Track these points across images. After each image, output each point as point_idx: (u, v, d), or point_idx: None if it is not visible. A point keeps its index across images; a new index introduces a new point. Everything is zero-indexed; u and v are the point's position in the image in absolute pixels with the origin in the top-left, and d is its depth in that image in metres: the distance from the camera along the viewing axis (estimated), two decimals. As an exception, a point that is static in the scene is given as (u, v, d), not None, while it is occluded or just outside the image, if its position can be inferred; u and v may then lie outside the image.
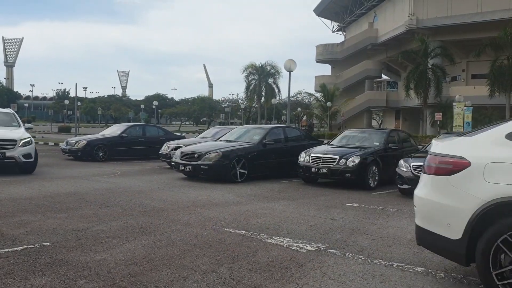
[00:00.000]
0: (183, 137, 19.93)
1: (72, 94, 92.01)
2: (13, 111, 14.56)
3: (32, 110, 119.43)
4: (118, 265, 4.87)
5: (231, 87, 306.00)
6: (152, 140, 19.08)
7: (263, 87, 59.30)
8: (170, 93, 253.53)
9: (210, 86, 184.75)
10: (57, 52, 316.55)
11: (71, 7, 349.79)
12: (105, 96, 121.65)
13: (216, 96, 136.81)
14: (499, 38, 34.41)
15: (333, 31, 71.57)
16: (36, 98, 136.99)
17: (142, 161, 17.94)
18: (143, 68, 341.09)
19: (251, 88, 59.81)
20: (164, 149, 15.68)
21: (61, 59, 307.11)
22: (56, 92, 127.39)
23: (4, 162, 12.14)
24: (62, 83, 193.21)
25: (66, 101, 63.18)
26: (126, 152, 18.52)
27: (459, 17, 42.25)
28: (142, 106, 73.06)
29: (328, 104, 49.35)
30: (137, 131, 19.51)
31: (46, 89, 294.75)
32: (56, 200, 8.62)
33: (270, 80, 59.88)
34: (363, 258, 5.32)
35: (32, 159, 12.62)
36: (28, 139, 12.62)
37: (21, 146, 12.27)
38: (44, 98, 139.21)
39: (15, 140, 12.23)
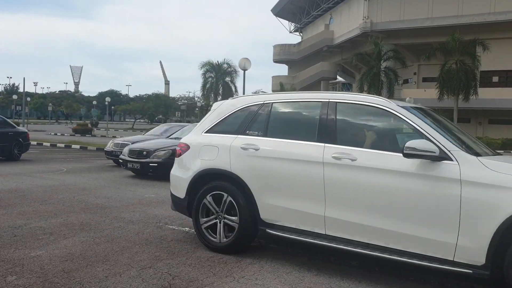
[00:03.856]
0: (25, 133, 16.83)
1: (21, 89, 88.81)
2: None
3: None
4: (52, 261, 4.75)
5: (188, 85, 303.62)
6: None
7: (220, 85, 59.11)
8: (124, 89, 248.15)
9: (167, 83, 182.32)
10: (6, 45, 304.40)
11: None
12: (57, 92, 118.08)
13: (173, 94, 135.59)
14: (448, 43, 35.72)
15: (291, 32, 72.23)
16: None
17: (90, 159, 17.53)
18: (97, 64, 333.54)
19: (208, 86, 59.49)
20: (109, 146, 15.27)
21: (11, 52, 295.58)
22: (4, 87, 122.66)
23: None
24: (11, 78, 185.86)
25: (15, 96, 60.96)
26: None
27: (411, 22, 43.59)
28: (94, 102, 71.38)
29: (284, 104, 49.79)
30: None
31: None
32: (-5, 197, 8.30)
33: (227, 79, 59.77)
34: (302, 253, 5.41)
35: None
36: None
37: None
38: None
39: None
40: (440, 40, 38.15)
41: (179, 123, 23.39)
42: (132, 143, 13.62)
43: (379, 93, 41.29)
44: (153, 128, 18.10)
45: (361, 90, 42.26)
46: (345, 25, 52.00)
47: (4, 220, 6.53)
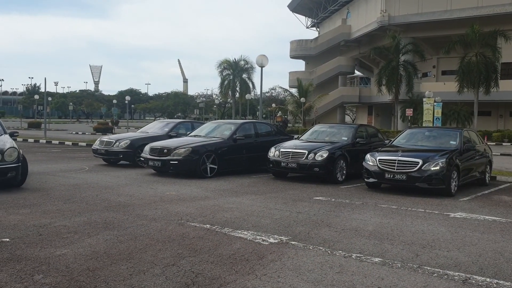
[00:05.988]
0: None
1: (42, 89, 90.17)
2: None
3: (1, 106, 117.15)
4: (77, 260, 4.84)
5: (206, 82, 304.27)
6: None
7: (238, 82, 59.19)
8: (143, 88, 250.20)
9: (185, 81, 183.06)
10: (27, 46, 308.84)
11: (40, 0, 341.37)
12: (77, 91, 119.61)
13: (191, 92, 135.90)
14: (467, 36, 35.14)
15: (307, 27, 71.97)
16: (5, 93, 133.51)
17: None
18: (116, 63, 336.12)
19: (225, 83, 59.61)
20: (96, 144, 15.26)
21: (32, 53, 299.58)
22: (26, 87, 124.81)
23: None
24: (32, 78, 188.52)
25: (36, 96, 61.88)
26: None
27: (430, 14, 43.03)
28: (114, 101, 71.96)
29: (302, 99, 49.65)
30: None
31: (16, 84, 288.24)
32: (20, 196, 8.47)
33: (245, 76, 59.80)
34: (323, 250, 5.41)
35: None
36: None
37: None
38: (14, 93, 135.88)
39: None
40: (460, 32, 37.57)
41: (175, 119, 22.96)
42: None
43: (398, 87, 40.87)
44: (147, 125, 17.95)
45: (379, 84, 41.90)
46: (363, 19, 51.57)
47: (29, 219, 6.66)
